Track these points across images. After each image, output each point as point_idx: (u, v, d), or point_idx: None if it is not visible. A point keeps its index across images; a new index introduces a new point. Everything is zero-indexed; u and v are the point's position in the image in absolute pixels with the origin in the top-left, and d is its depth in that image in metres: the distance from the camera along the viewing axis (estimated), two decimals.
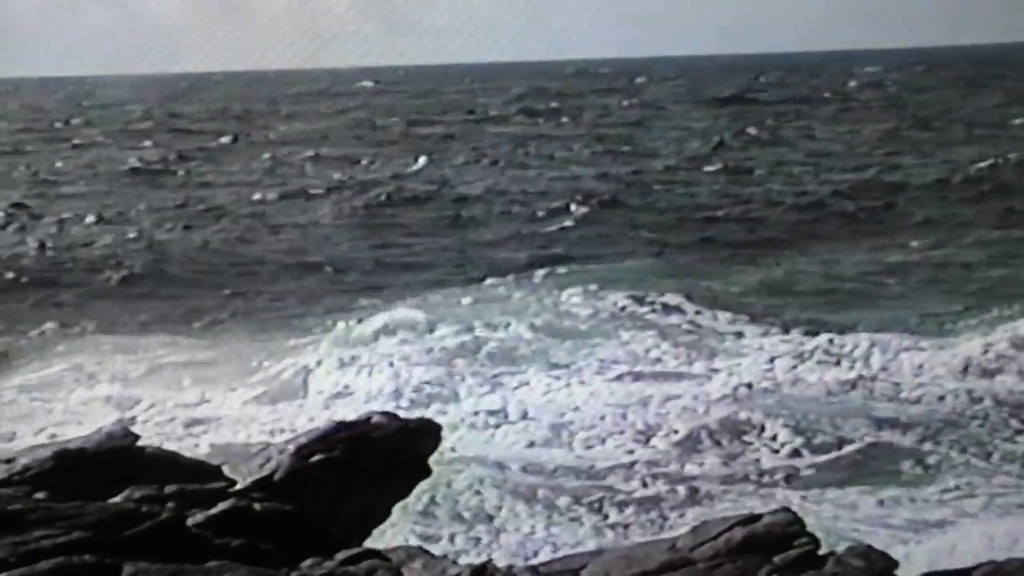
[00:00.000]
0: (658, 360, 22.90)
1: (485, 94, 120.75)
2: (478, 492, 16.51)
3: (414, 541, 13.60)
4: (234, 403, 21.15)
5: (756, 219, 40.12)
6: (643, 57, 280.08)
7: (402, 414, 12.23)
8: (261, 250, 37.25)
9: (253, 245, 38.16)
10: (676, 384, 21.18)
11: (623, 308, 26.64)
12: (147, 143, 73.40)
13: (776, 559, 9.16)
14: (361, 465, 10.92)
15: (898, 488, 16.67)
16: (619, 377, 21.76)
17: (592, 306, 26.82)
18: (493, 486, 16.68)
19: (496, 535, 15.41)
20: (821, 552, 9.34)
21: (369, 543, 11.00)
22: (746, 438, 18.67)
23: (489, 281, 30.69)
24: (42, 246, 38.09)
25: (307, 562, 9.54)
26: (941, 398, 20.13)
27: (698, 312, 26.35)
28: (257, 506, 10.24)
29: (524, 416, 19.76)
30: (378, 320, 25.72)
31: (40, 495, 10.00)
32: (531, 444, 18.67)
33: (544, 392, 21.10)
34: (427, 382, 21.65)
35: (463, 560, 11.92)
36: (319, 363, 22.90)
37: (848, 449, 18.14)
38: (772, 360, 22.57)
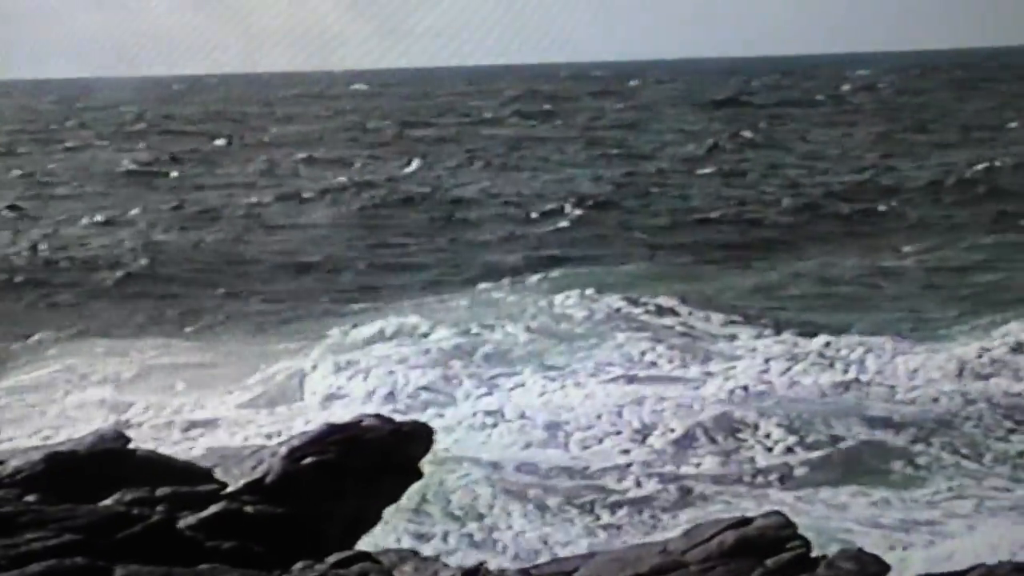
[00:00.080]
0: (653, 363, 22.91)
1: (479, 97, 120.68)
2: (472, 491, 16.53)
3: (407, 539, 13.61)
4: (230, 406, 21.12)
5: (750, 222, 40.13)
6: (637, 60, 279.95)
7: (398, 417, 12.25)
8: (256, 252, 37.22)
9: (248, 247, 38.13)
10: (671, 387, 21.20)
11: (618, 310, 26.65)
12: (142, 145, 73.33)
13: (768, 562, 9.18)
14: (353, 468, 10.92)
15: (888, 489, 16.72)
16: (614, 379, 21.77)
17: (587, 308, 26.82)
18: (487, 485, 16.71)
19: (489, 533, 15.44)
20: (813, 555, 9.35)
21: (363, 540, 11.00)
22: (740, 435, 18.74)
23: (484, 284, 30.69)
24: (36, 248, 38.00)
25: (298, 565, 9.54)
26: (935, 399, 20.18)
27: (692, 314, 26.37)
28: (249, 508, 10.25)
29: (520, 417, 19.79)
30: (374, 323, 25.73)
31: (31, 498, 9.99)
32: (527, 445, 18.72)
33: (540, 393, 21.12)
34: (423, 386, 21.66)
35: (454, 559, 11.91)
36: (315, 366, 22.87)
37: (841, 446, 18.20)
38: (767, 362, 22.58)
